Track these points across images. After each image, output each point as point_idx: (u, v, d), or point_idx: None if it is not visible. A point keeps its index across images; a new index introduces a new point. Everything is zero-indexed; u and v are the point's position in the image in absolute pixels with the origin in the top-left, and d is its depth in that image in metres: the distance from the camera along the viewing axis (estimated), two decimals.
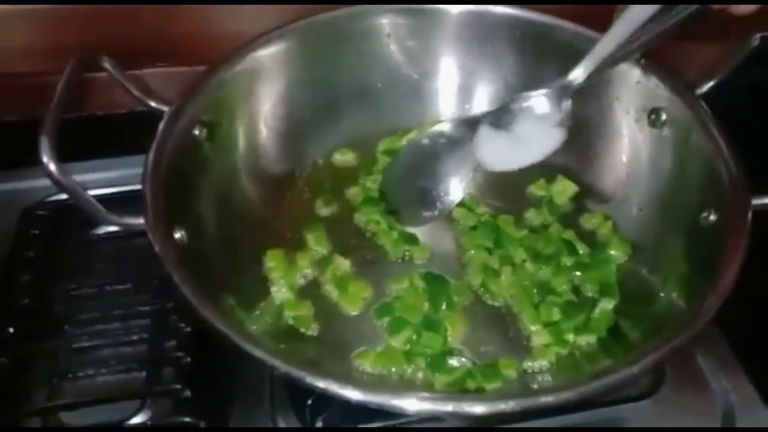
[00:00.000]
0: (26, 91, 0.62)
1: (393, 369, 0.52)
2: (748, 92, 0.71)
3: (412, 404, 0.40)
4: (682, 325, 0.45)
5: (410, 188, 0.63)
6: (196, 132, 0.56)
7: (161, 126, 0.53)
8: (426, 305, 0.56)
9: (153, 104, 0.55)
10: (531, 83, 0.63)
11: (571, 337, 0.54)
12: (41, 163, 0.44)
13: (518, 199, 0.65)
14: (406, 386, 0.51)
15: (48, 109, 0.46)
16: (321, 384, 0.39)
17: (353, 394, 0.40)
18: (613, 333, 0.55)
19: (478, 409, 0.39)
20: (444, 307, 0.56)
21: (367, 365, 0.52)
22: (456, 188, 0.61)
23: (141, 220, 0.47)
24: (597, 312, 0.55)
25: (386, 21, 0.65)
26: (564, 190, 0.64)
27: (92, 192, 0.63)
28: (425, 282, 0.57)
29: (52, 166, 0.44)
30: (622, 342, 0.53)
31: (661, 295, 0.54)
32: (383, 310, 0.56)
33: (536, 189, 0.65)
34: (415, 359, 0.53)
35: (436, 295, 0.56)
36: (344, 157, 0.67)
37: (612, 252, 0.60)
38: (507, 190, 0.65)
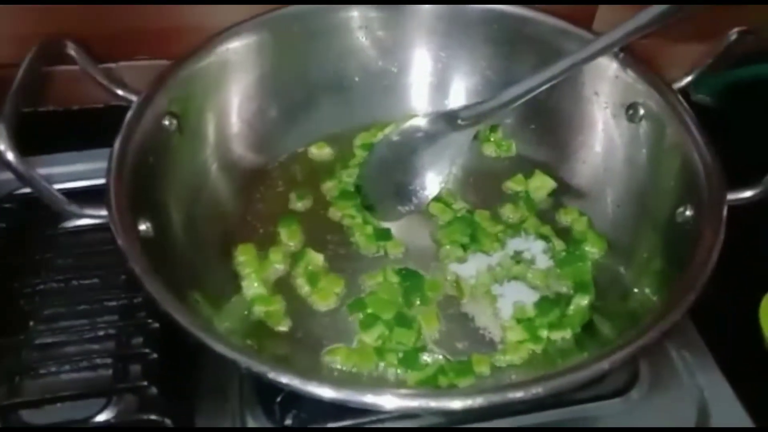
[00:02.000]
0: None
1: (365, 366, 0.51)
2: (725, 87, 0.71)
3: (383, 401, 0.39)
4: (655, 320, 0.44)
5: (386, 183, 0.62)
6: (166, 122, 0.55)
7: (128, 115, 0.52)
8: (400, 301, 0.55)
9: (121, 93, 0.54)
10: (508, 76, 0.64)
11: (545, 333, 0.53)
12: None
13: (495, 194, 0.64)
14: (378, 383, 0.49)
15: (8, 95, 0.44)
16: (284, 380, 0.38)
17: (317, 390, 0.39)
18: (588, 329, 0.54)
19: (442, 404, 0.39)
20: (418, 302, 0.55)
21: (338, 362, 0.51)
22: (432, 183, 0.60)
23: (104, 212, 0.45)
24: (571, 308, 0.55)
25: (358, 14, 0.64)
26: (541, 185, 0.63)
27: (61, 185, 0.63)
28: (399, 277, 0.57)
29: (10, 154, 0.42)
30: (596, 338, 0.53)
31: (635, 291, 0.54)
32: (356, 306, 0.55)
33: (513, 184, 0.64)
34: (387, 356, 0.52)
35: (410, 291, 0.56)
36: (320, 151, 0.67)
37: (587, 248, 0.59)
38: (484, 186, 0.65)
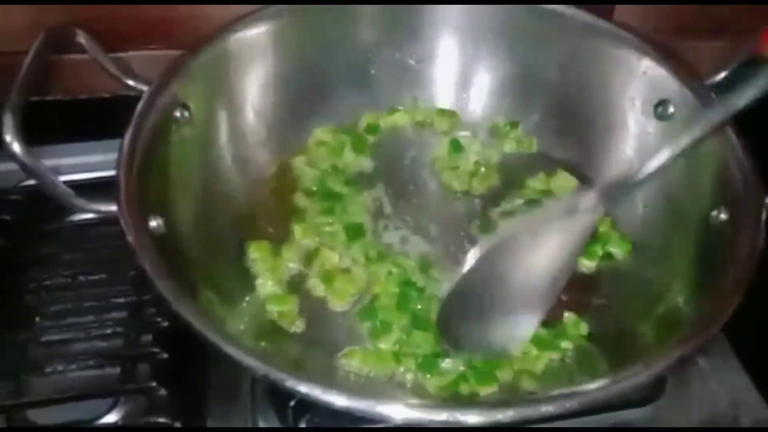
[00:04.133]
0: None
1: (381, 370, 0.49)
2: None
3: (400, 412, 0.38)
4: (690, 332, 0.43)
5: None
6: (177, 114, 0.53)
7: (140, 106, 0.51)
8: (416, 303, 0.53)
9: (131, 83, 0.52)
10: (532, 70, 0.61)
11: (565, 343, 0.51)
12: (4, 141, 0.40)
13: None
14: (396, 389, 0.48)
15: (14, 85, 0.43)
16: (302, 388, 0.36)
17: (338, 400, 0.37)
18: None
19: (474, 419, 0.37)
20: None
21: (354, 365, 0.49)
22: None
23: (113, 207, 0.44)
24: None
25: (374, 6, 0.63)
26: (564, 184, 0.61)
27: (69, 177, 0.62)
28: (412, 281, 0.54)
29: (16, 146, 0.41)
30: (621, 344, 0.51)
31: (666, 296, 0.51)
32: (366, 314, 0.53)
33: (535, 183, 0.62)
34: (405, 360, 0.50)
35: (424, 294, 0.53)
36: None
37: (611, 249, 0.57)
38: (503, 183, 0.63)
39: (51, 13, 0.61)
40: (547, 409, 0.37)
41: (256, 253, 0.55)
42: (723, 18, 0.70)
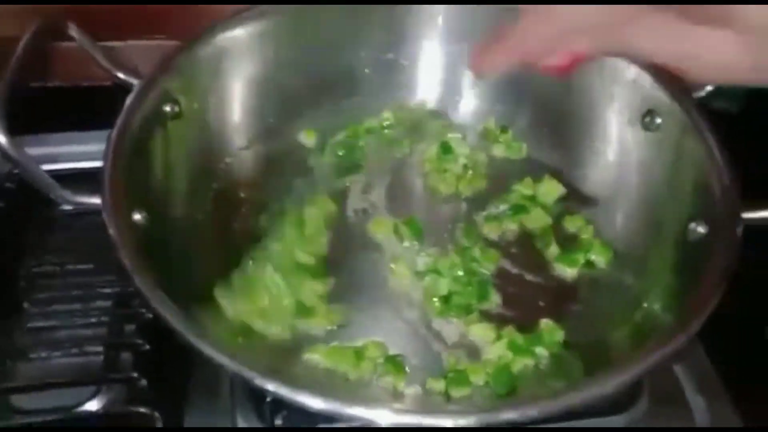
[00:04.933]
0: None
1: (344, 365, 0.49)
2: (746, 99, 0.69)
3: (380, 415, 0.38)
4: (663, 340, 0.43)
5: None
6: (167, 109, 0.53)
7: (129, 99, 0.51)
8: None
9: (122, 76, 0.53)
10: (520, 75, 0.61)
11: (540, 350, 0.51)
12: None
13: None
14: (365, 389, 0.48)
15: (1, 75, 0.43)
16: (270, 387, 0.37)
17: (309, 401, 0.38)
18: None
19: (447, 423, 0.37)
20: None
21: (317, 360, 0.49)
22: None
23: (97, 200, 0.44)
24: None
25: (368, 5, 0.62)
26: (550, 190, 0.61)
27: (58, 166, 0.62)
28: None
29: (2, 138, 0.41)
30: (597, 351, 0.51)
31: (644, 305, 0.52)
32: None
33: (522, 188, 0.62)
34: (366, 362, 0.50)
35: None
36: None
37: (593, 257, 0.57)
38: (491, 187, 0.63)
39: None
40: (510, 416, 0.37)
41: None
42: None
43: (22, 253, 0.59)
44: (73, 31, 0.52)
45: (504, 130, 0.66)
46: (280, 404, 0.50)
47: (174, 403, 0.51)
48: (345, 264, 0.57)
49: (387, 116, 0.66)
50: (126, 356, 0.53)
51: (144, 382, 0.51)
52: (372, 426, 0.45)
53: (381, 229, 0.59)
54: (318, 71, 0.63)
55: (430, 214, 0.61)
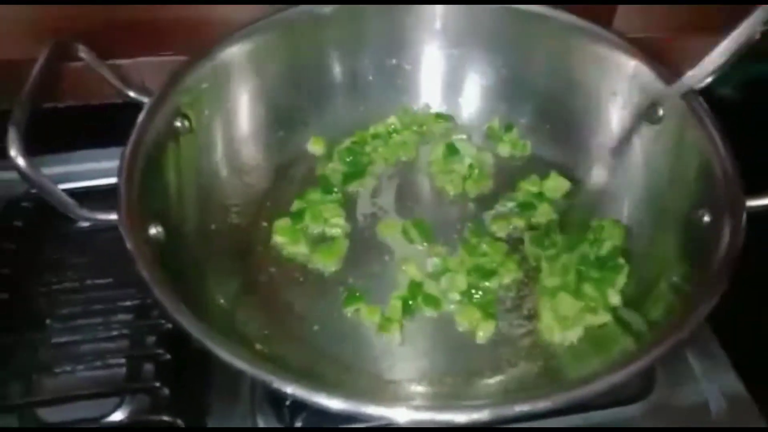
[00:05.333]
0: (4, 79, 0.61)
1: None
2: (747, 89, 0.69)
3: (398, 413, 0.39)
4: (671, 328, 0.43)
5: None
6: (177, 123, 0.54)
7: (141, 117, 0.52)
8: None
9: (132, 94, 0.54)
10: (524, 72, 0.62)
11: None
12: (9, 156, 0.42)
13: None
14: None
15: (17, 99, 0.45)
16: (289, 389, 0.38)
17: (328, 402, 0.39)
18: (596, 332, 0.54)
19: (462, 419, 0.38)
20: None
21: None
22: None
23: (114, 216, 0.45)
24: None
25: (371, 11, 0.63)
26: (557, 187, 0.62)
27: (74, 185, 0.64)
28: None
29: (20, 160, 0.43)
30: (607, 343, 0.52)
31: (653, 294, 0.52)
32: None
33: (528, 185, 0.63)
34: None
35: None
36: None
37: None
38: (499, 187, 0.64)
39: (55, 21, 0.62)
40: (522, 408, 0.38)
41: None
42: (727, 15, 0.70)
43: (42, 271, 0.60)
44: (83, 52, 0.53)
45: (509, 128, 0.66)
46: (299, 407, 0.51)
47: (196, 410, 0.52)
48: (357, 267, 0.58)
49: (392, 121, 0.67)
50: (148, 367, 0.54)
51: (166, 390, 0.52)
52: (390, 426, 0.47)
53: (390, 232, 0.60)
54: (323, 80, 0.65)
55: (439, 215, 0.62)
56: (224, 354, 0.39)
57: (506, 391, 0.50)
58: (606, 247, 0.56)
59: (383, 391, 0.50)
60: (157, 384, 0.52)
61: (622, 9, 0.68)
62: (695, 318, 0.42)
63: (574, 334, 0.53)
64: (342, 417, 0.50)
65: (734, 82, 0.69)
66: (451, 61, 0.66)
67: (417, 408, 0.39)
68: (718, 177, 0.49)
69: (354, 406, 0.38)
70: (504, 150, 0.66)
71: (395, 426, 0.49)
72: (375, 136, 0.66)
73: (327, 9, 0.61)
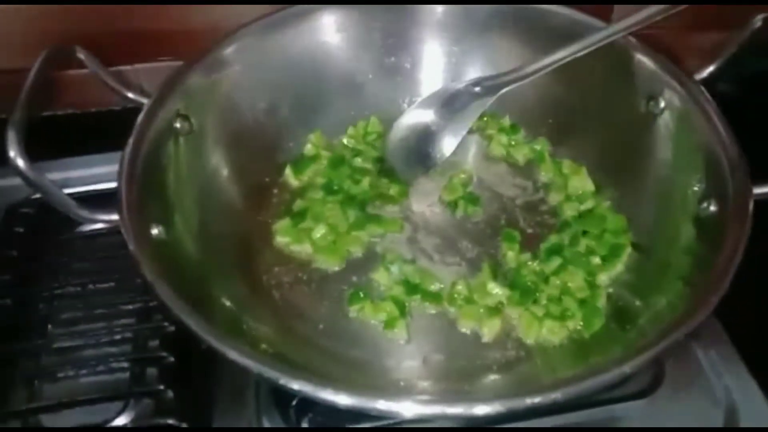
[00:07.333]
0: (4, 87, 0.61)
1: None
2: (749, 78, 0.69)
3: (405, 408, 0.39)
4: (678, 320, 0.43)
5: (407, 150, 0.62)
6: (177, 125, 0.54)
7: (140, 118, 0.52)
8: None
9: (131, 96, 0.54)
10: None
11: None
12: (8, 158, 0.42)
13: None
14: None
15: (17, 101, 0.44)
16: (295, 385, 0.37)
17: (336, 397, 0.38)
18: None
19: (471, 412, 0.38)
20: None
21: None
22: (449, 144, 0.61)
23: (115, 217, 0.45)
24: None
25: (369, 11, 0.63)
26: (581, 185, 0.62)
27: (76, 189, 0.64)
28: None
29: (20, 161, 0.42)
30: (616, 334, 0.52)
31: (660, 284, 0.52)
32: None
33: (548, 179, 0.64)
34: None
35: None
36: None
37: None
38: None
39: (53, 27, 0.62)
40: (534, 400, 0.38)
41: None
42: (724, 7, 0.70)
43: (44, 277, 0.60)
44: (81, 54, 0.53)
45: (514, 128, 0.66)
46: (305, 407, 0.51)
47: (201, 412, 0.52)
48: (360, 266, 0.58)
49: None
50: (151, 370, 0.54)
51: (170, 393, 0.51)
52: (397, 427, 0.47)
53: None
54: (322, 80, 0.64)
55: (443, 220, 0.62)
56: (230, 352, 0.39)
57: (514, 387, 0.50)
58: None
59: (390, 387, 0.49)
60: (161, 387, 0.52)
61: (618, 9, 0.69)
62: (705, 307, 0.42)
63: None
64: (348, 417, 0.51)
65: (734, 77, 0.69)
66: (452, 59, 0.66)
67: (425, 402, 0.39)
68: (722, 165, 0.49)
69: (361, 401, 0.38)
70: (508, 148, 0.66)
71: (401, 426, 0.49)
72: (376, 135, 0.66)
73: (325, 9, 0.61)
